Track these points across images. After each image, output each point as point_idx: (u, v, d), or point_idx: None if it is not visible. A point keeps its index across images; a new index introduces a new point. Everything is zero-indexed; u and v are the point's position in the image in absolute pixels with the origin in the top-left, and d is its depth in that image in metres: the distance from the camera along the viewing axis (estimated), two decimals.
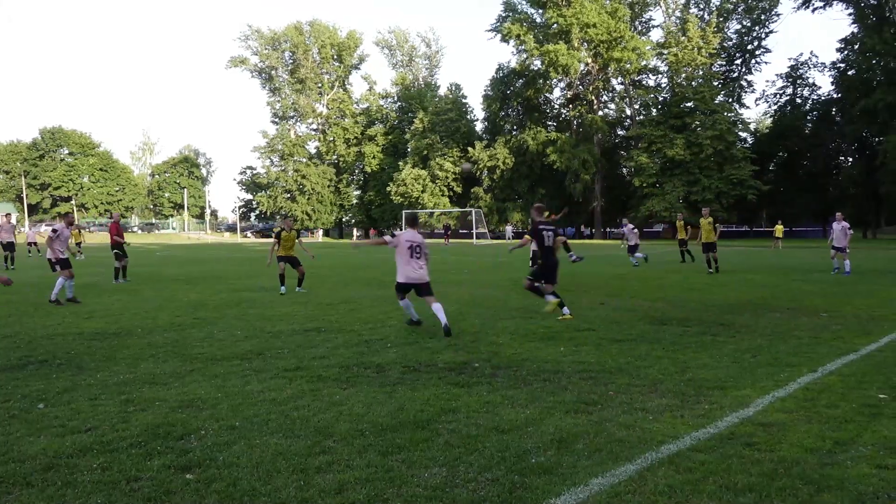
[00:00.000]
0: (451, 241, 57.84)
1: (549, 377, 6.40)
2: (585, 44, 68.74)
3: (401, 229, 73.29)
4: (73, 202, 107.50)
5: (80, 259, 28.16)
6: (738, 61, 73.61)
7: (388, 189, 79.28)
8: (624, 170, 76.96)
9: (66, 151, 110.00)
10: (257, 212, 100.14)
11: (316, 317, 10.81)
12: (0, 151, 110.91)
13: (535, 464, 4.12)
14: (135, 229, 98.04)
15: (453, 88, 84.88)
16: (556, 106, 79.36)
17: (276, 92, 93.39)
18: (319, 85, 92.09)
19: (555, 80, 72.24)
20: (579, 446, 4.43)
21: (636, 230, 25.45)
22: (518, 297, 13.28)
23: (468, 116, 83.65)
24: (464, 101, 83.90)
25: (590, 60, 69.79)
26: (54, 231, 13.71)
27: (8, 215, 24.77)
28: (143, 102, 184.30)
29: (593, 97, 72.38)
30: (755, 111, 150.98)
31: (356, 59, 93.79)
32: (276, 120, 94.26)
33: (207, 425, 4.93)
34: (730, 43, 71.96)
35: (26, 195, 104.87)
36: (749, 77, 74.64)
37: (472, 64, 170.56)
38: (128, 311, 11.70)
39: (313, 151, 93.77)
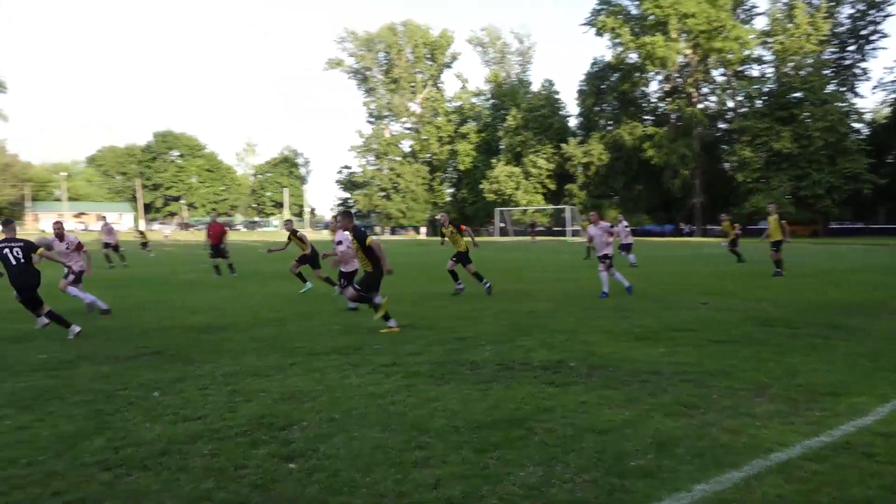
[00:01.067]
0: (541, 238, 57.34)
1: (647, 378, 6.23)
2: (684, 35, 66.49)
3: (492, 226, 73.36)
4: (182, 201, 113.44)
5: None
6: (852, 48, 69.16)
7: (481, 187, 79.38)
8: (726, 164, 73.94)
9: (177, 153, 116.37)
10: (354, 210, 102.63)
11: (409, 313, 10.94)
12: (118, 154, 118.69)
13: (635, 467, 4.02)
14: (239, 227, 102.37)
15: (546, 84, 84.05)
16: (654, 99, 77.18)
17: (371, 92, 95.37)
18: (413, 84, 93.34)
19: (652, 72, 70.32)
20: (680, 450, 4.29)
21: (629, 227, 24.24)
22: (612, 296, 13.01)
23: (561, 112, 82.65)
24: (556, 96, 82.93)
25: (689, 52, 67.49)
26: (48, 248, 10.85)
27: (103, 217, 26.13)
28: (246, 105, 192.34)
29: (692, 89, 69.96)
30: (871, 100, 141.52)
31: (448, 57, 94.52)
32: (372, 119, 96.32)
33: (308, 417, 5.08)
34: (842, 28, 67.70)
35: (141, 195, 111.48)
36: (864, 64, 69.84)
37: (565, 59, 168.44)
38: (231, 306, 12.22)
39: (407, 150, 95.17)
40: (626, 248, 22.70)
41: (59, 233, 10.98)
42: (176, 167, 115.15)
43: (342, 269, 11.49)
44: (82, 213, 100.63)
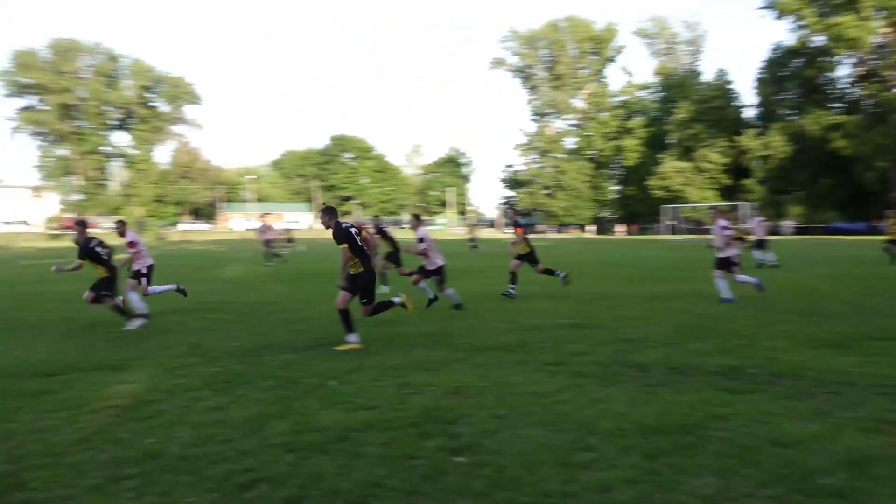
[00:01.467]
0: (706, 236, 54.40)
1: (838, 390, 5.70)
2: (879, 12, 60.17)
3: (659, 224, 70.67)
4: (353, 201, 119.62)
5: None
6: None
7: (648, 183, 76.71)
8: None
9: (349, 156, 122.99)
10: (518, 208, 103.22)
11: (575, 312, 10.79)
12: (297, 158, 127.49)
13: (824, 486, 3.69)
14: (406, 226, 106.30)
15: (719, 74, 79.56)
16: (842, 85, 70.57)
17: (534, 90, 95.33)
18: (576, 80, 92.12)
19: (840, 56, 64.38)
20: (879, 471, 3.89)
21: (765, 222, 21.27)
22: (796, 299, 12.06)
23: (736, 103, 77.91)
24: (730, 86, 78.27)
25: (886, 30, 61.00)
26: (132, 244, 11.00)
27: (263, 216, 27.79)
28: (413, 108, 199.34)
29: (890, 72, 63.16)
30: None
31: (612, 51, 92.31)
32: (536, 117, 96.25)
33: (474, 412, 5.16)
34: None
35: (318, 196, 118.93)
36: None
37: (739, 46, 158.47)
38: None
39: (571, 147, 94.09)
40: (760, 245, 20.70)
41: (121, 231, 11.14)
42: (348, 169, 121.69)
43: (425, 266, 11.54)
44: (266, 214, 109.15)
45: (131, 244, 10.80)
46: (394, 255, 14.84)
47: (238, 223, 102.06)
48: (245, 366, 7.02)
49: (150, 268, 10.93)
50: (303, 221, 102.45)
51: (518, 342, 8.18)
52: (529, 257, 13.36)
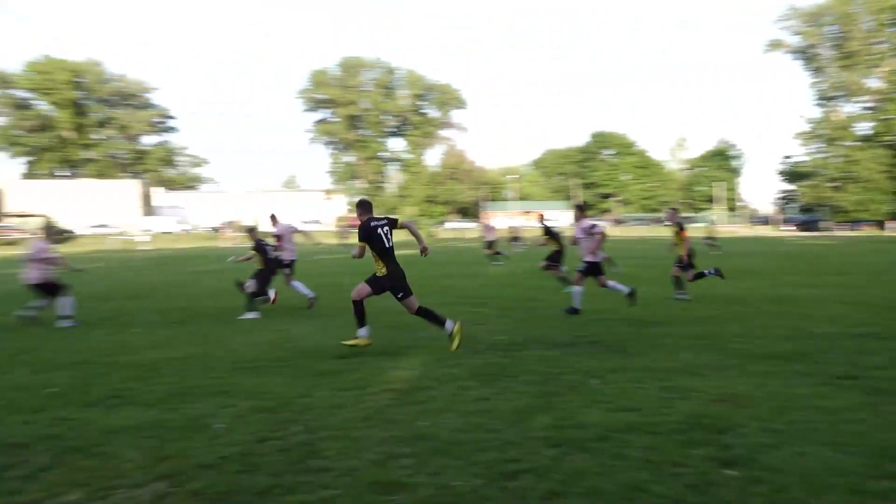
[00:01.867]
0: None
1: None
2: None
3: None
4: (614, 199, 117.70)
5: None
6: None
7: None
8: None
9: (610, 152, 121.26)
10: (797, 203, 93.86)
11: (873, 320, 9.50)
12: (557, 156, 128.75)
13: None
14: (666, 223, 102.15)
15: None
16: None
17: (818, 72, 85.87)
18: (871, 57, 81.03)
19: None
20: None
21: None
22: None
23: None
24: None
25: None
26: (278, 237, 12.85)
27: (486, 217, 28.67)
28: (677, 99, 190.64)
29: None
30: None
31: None
32: (821, 102, 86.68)
33: (748, 423, 4.78)
34: None
35: (579, 194, 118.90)
36: None
37: None
38: (660, 302, 12.16)
39: (866, 132, 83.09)
40: None
41: (273, 223, 12.85)
42: (608, 165, 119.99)
43: (586, 260, 10.90)
44: (527, 212, 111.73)
45: (277, 237, 12.69)
46: (558, 255, 15.08)
47: (499, 221, 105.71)
48: (508, 359, 7.24)
49: (291, 263, 12.77)
50: (562, 220, 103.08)
51: (801, 351, 7.42)
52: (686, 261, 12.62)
